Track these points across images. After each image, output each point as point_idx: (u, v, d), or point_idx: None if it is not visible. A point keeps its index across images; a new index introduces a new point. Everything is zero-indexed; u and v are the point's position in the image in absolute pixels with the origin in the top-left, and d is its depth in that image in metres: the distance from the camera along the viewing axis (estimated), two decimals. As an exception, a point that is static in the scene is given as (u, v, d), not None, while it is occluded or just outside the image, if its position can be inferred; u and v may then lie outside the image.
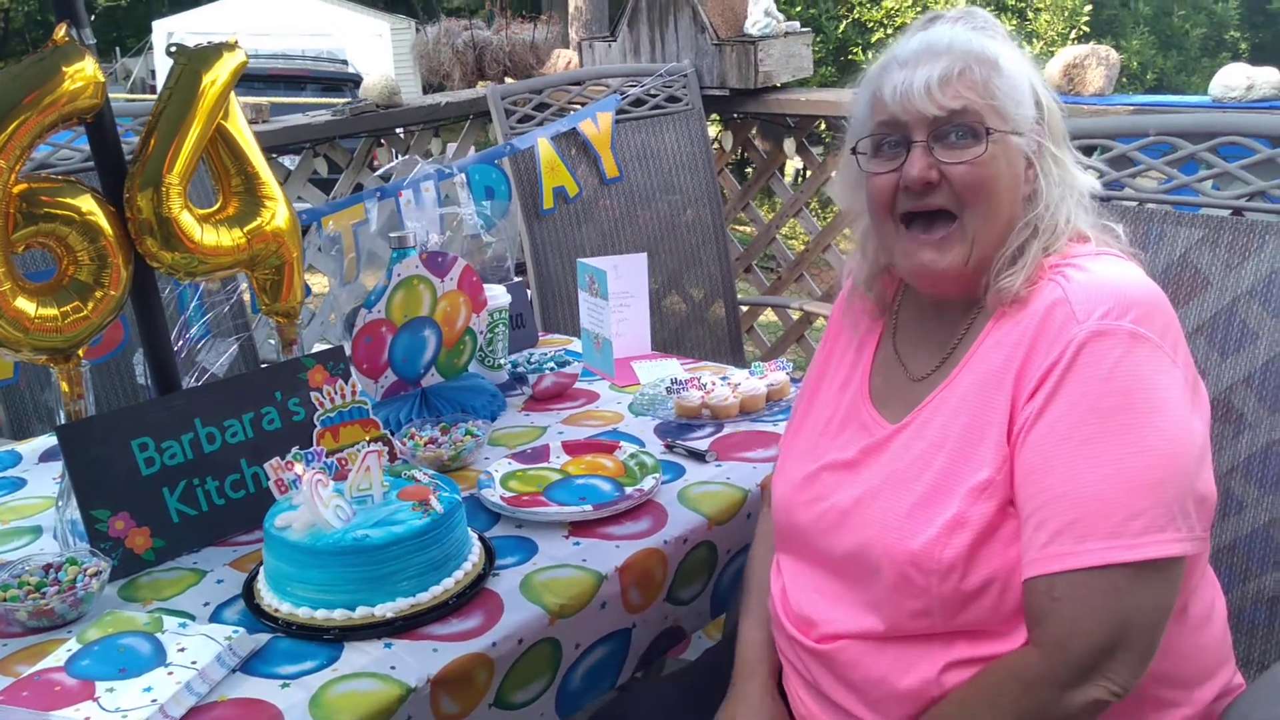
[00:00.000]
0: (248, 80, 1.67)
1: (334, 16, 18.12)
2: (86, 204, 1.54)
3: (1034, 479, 1.19)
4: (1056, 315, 1.22)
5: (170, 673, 1.24)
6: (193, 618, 1.39)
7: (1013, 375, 1.23)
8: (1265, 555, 1.63)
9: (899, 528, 1.26)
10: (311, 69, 14.85)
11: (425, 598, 1.37)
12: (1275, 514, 1.61)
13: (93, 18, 1.63)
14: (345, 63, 16.00)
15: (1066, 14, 12.38)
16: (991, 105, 1.26)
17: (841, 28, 12.61)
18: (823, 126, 4.08)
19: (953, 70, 1.26)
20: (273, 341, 1.86)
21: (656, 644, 1.60)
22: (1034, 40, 11.96)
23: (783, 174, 4.22)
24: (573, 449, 1.83)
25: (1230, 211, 1.70)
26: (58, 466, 1.87)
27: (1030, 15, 12.52)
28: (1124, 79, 12.73)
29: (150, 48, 18.60)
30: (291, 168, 3.68)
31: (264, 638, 1.35)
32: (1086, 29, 12.50)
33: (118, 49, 21.81)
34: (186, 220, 1.59)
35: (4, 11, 23.51)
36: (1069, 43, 11.73)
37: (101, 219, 1.55)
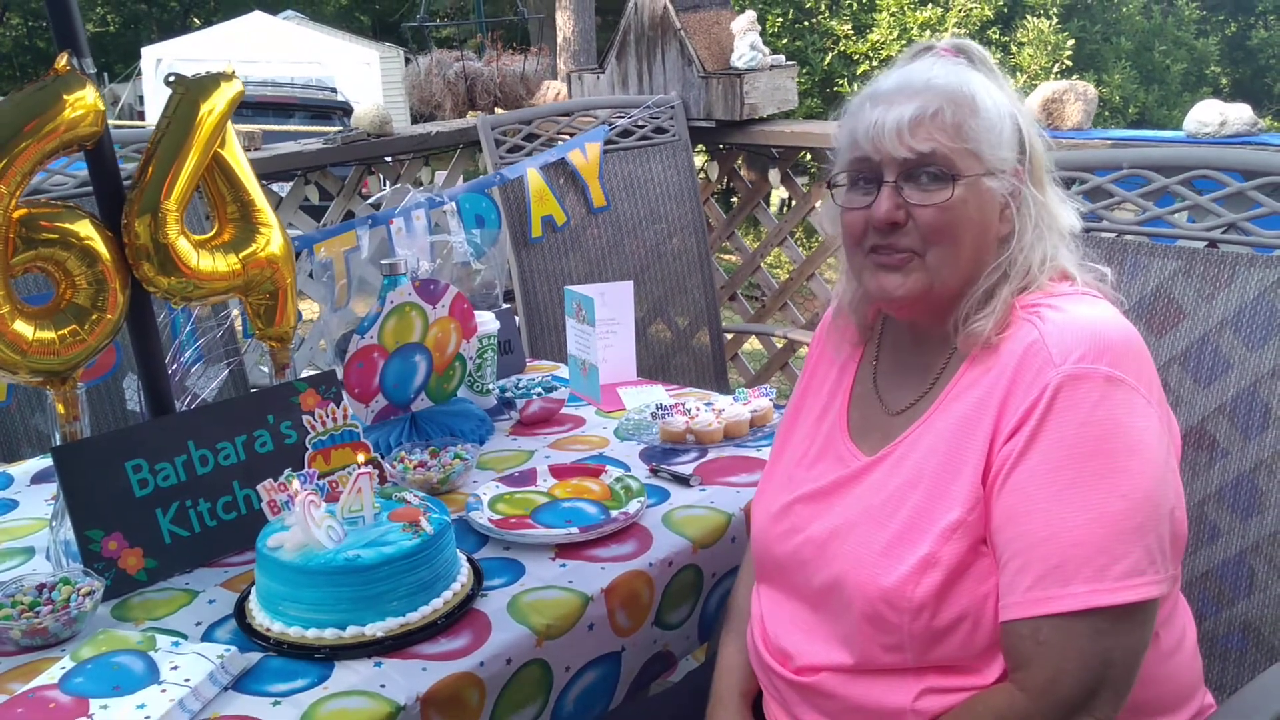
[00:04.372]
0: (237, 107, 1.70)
1: (323, 44, 18.19)
2: (85, 229, 1.56)
3: (1014, 523, 1.20)
4: (1033, 357, 1.22)
5: (163, 690, 1.26)
6: (185, 637, 1.41)
7: (990, 416, 1.24)
8: (1239, 582, 1.65)
9: (872, 564, 1.28)
10: (300, 96, 14.91)
11: (415, 617, 1.39)
12: (1250, 541, 1.64)
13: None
14: (334, 90, 16.07)
15: (1049, 48, 12.54)
16: (964, 148, 1.27)
17: (828, 60, 12.75)
18: (807, 157, 4.13)
19: (925, 111, 1.26)
20: (264, 368, 1.89)
21: (648, 669, 1.61)
22: (1017, 74, 12.11)
23: (768, 204, 4.27)
24: (559, 473, 1.85)
25: (1205, 244, 1.73)
26: (49, 488, 1.90)
27: (1014, 49, 12.67)
28: (1106, 112, 12.89)
29: (139, 74, 18.62)
30: (283, 195, 3.71)
31: (255, 657, 1.36)
32: (1069, 63, 12.65)
33: (106, 75, 21.84)
34: (183, 246, 1.61)
35: (-7, 36, 23.54)
36: (1052, 76, 11.88)
37: (99, 244, 1.57)
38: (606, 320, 2.29)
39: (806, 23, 13.11)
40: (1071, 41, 12.79)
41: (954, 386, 1.30)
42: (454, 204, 2.78)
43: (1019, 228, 1.30)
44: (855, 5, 12.87)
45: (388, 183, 4.08)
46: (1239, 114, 2.85)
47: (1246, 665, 1.65)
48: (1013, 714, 1.20)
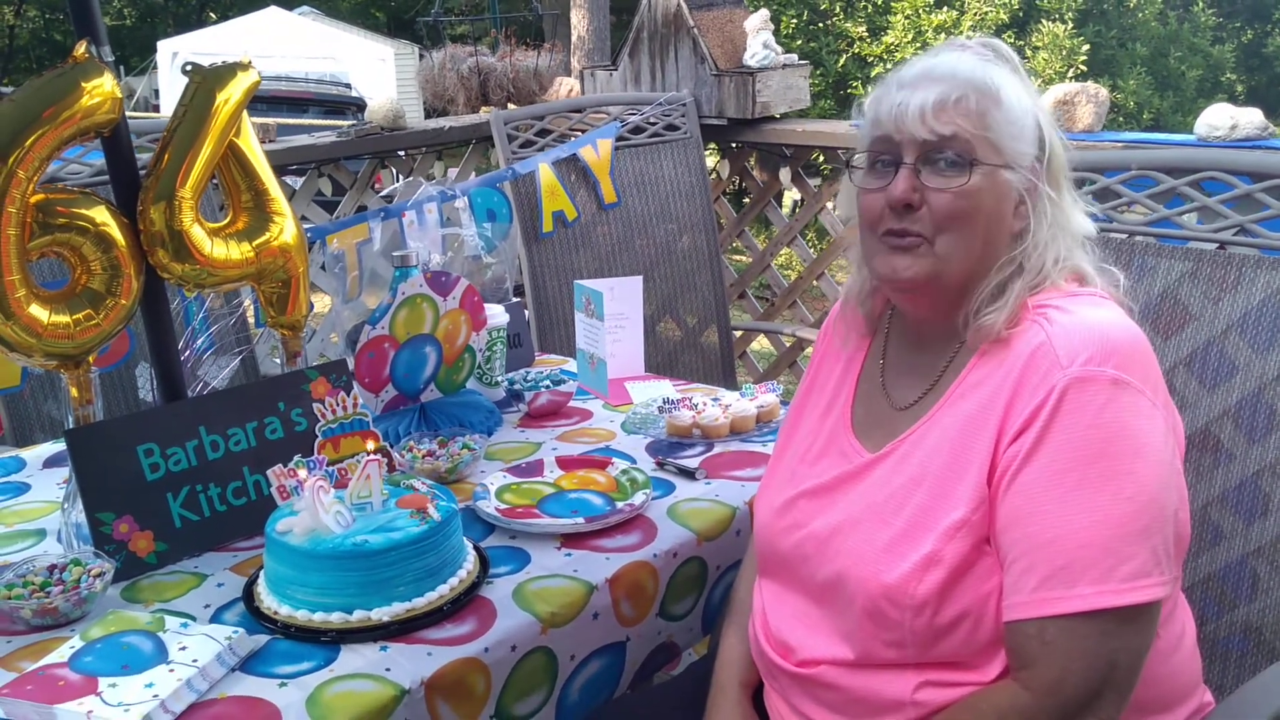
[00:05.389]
0: (251, 101, 1.71)
1: (338, 41, 18.24)
2: (101, 215, 1.58)
3: (1020, 524, 1.21)
4: (1040, 359, 1.23)
5: (171, 670, 1.27)
6: (194, 618, 1.42)
7: (996, 417, 1.25)
8: (1241, 585, 1.66)
9: (875, 561, 1.28)
10: (315, 92, 14.96)
11: (421, 603, 1.40)
12: (1253, 545, 1.64)
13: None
14: (348, 86, 16.12)
15: (1064, 53, 12.51)
16: (984, 137, 1.27)
17: (841, 62, 12.74)
18: (819, 157, 4.13)
19: (949, 96, 1.27)
20: (278, 360, 1.90)
21: (652, 659, 1.63)
22: (1032, 78, 12.08)
23: (779, 203, 4.27)
24: (566, 464, 1.86)
25: (1215, 246, 1.73)
26: (60, 472, 1.92)
27: (1029, 54, 12.64)
28: (1121, 118, 12.86)
29: (154, 67, 18.69)
30: (296, 187, 3.73)
31: (263, 639, 1.38)
32: (1084, 68, 12.62)
33: (121, 68, 21.93)
34: (197, 233, 1.63)
35: (9, 28, 23.64)
36: (1066, 81, 11.85)
37: (115, 230, 1.58)
38: (615, 315, 2.30)
39: (821, 24, 13.11)
40: (1086, 46, 12.75)
41: (960, 385, 1.31)
42: (466, 198, 2.80)
43: (1034, 225, 1.30)
44: (870, 7, 12.87)
45: (400, 176, 4.10)
46: (1250, 118, 2.85)
47: (1248, 667, 1.65)
48: (1016, 713, 1.21)
